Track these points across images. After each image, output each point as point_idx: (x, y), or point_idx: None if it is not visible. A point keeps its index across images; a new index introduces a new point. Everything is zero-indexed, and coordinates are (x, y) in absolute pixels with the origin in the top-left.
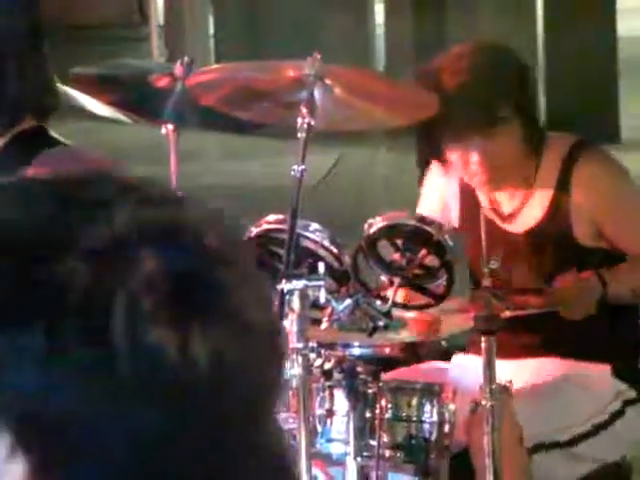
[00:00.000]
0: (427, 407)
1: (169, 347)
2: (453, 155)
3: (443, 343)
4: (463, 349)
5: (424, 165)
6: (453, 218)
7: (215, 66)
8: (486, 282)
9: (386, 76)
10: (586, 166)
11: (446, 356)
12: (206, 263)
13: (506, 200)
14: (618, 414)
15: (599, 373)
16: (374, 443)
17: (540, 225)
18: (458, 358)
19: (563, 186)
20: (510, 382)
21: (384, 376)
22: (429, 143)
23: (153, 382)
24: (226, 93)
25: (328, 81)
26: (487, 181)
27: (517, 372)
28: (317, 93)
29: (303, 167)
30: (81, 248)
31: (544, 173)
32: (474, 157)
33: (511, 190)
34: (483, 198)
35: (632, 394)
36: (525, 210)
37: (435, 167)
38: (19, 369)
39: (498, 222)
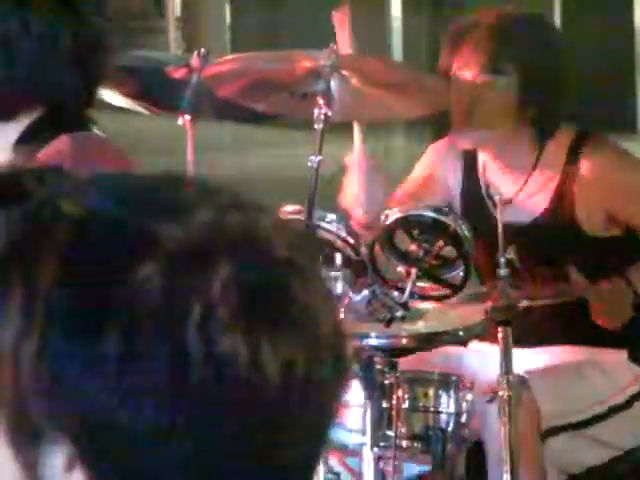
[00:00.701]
0: (444, 397)
1: (241, 357)
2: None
3: (460, 333)
4: (480, 338)
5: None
6: (456, 205)
7: (230, 56)
8: (502, 271)
9: (403, 64)
10: (594, 152)
11: (463, 343)
12: (279, 273)
13: (504, 186)
14: (636, 397)
15: (616, 358)
16: (391, 434)
17: (544, 214)
18: (475, 345)
19: (568, 176)
20: (527, 373)
21: (401, 362)
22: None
23: (223, 392)
24: (242, 85)
25: (345, 72)
26: (474, 141)
27: (534, 359)
28: (334, 84)
29: (320, 158)
30: (159, 252)
31: (545, 164)
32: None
33: (510, 176)
34: (481, 180)
35: None
36: (525, 200)
37: (433, 148)
38: (92, 378)
39: (490, 208)
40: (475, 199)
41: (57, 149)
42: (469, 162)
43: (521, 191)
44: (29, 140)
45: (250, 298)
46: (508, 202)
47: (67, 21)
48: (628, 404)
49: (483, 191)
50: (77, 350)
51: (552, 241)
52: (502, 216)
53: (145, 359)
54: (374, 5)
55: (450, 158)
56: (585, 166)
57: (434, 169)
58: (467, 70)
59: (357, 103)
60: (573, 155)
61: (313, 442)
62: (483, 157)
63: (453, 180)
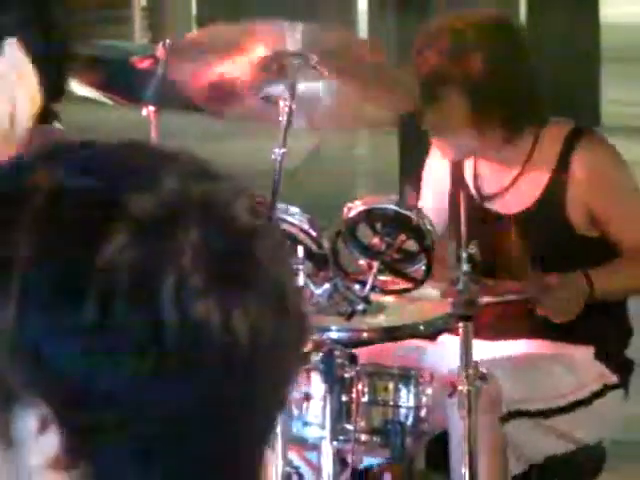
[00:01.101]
0: (404, 392)
1: (214, 322)
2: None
3: (421, 328)
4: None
5: (407, 144)
6: (444, 202)
7: (195, 32)
8: (464, 266)
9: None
10: (588, 150)
11: (429, 337)
12: (245, 239)
13: (493, 178)
14: (598, 394)
15: (582, 354)
16: (350, 427)
17: (533, 208)
18: (444, 338)
19: (561, 169)
20: (491, 361)
21: (362, 355)
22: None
23: (197, 357)
24: (204, 88)
25: (313, 57)
26: (455, 155)
27: (500, 350)
28: (300, 89)
29: (284, 150)
30: (130, 221)
31: (540, 157)
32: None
33: (500, 169)
34: (469, 174)
35: (614, 378)
36: (514, 192)
37: (432, 157)
38: (70, 346)
39: (477, 200)
40: (463, 191)
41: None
42: (456, 163)
43: (512, 184)
44: None
45: (220, 264)
46: (495, 196)
47: (36, 22)
48: (589, 400)
49: (471, 185)
50: (54, 320)
51: (539, 232)
52: (484, 210)
53: (122, 327)
54: (342, 12)
55: (438, 161)
56: (577, 163)
57: (438, 180)
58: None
59: (328, 108)
60: (567, 150)
61: (276, 404)
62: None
63: (443, 181)
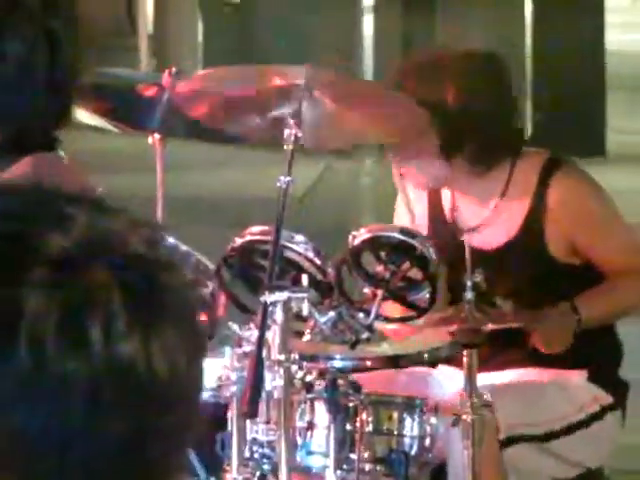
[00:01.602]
0: (408, 421)
1: (139, 361)
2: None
3: (425, 356)
4: (447, 361)
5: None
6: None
7: (201, 72)
8: (468, 295)
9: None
10: (564, 179)
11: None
12: (154, 272)
13: (470, 214)
14: (595, 417)
15: (577, 378)
16: (354, 456)
17: (512, 241)
18: (442, 369)
19: (539, 201)
20: (491, 388)
21: (366, 382)
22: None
23: (127, 396)
24: (211, 106)
25: (317, 92)
26: (426, 185)
27: (494, 380)
28: (305, 107)
29: (289, 178)
30: (47, 260)
31: (516, 189)
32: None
33: (476, 204)
34: (446, 203)
35: (609, 400)
36: (494, 226)
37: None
38: (2, 389)
39: (461, 236)
40: (441, 224)
41: (21, 171)
42: (434, 194)
43: (490, 217)
44: None
45: (137, 301)
46: (475, 229)
47: (43, 48)
48: (587, 423)
49: (448, 217)
50: None
51: (520, 265)
52: (470, 241)
53: (53, 369)
54: (346, 12)
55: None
56: (553, 194)
57: (413, 205)
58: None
59: (329, 129)
60: (543, 182)
61: (189, 430)
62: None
63: (419, 206)
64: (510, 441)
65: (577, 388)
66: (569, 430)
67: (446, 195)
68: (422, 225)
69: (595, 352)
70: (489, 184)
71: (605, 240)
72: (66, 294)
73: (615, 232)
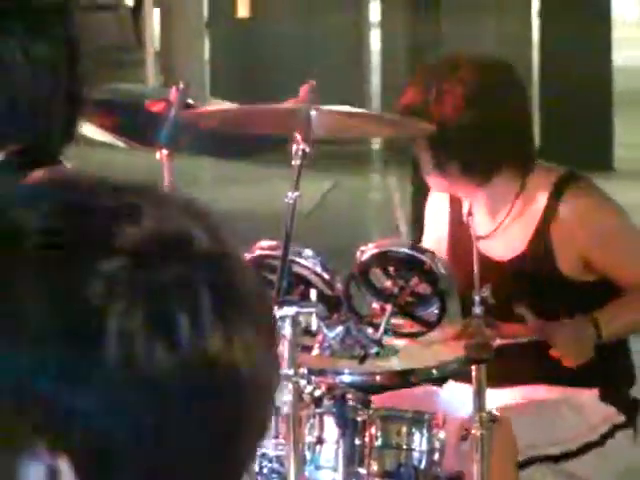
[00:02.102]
0: (417, 435)
1: (223, 356)
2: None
3: (434, 371)
4: (455, 376)
5: (421, 188)
6: (444, 244)
7: (209, 108)
8: (477, 310)
9: (383, 117)
10: (574, 197)
11: (441, 381)
12: (225, 266)
13: (482, 222)
14: (607, 436)
15: (588, 397)
16: (363, 471)
17: (522, 256)
18: (450, 385)
19: (548, 218)
20: (503, 409)
21: (375, 399)
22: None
23: (213, 392)
24: (220, 122)
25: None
26: (442, 188)
27: (509, 397)
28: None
29: (297, 194)
30: (121, 253)
31: (526, 205)
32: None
33: (487, 213)
34: (465, 215)
35: (621, 418)
36: (502, 238)
37: (432, 195)
38: (88, 393)
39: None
40: (460, 229)
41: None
42: (455, 200)
43: (499, 228)
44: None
45: (217, 295)
46: (485, 237)
47: (65, 55)
48: (601, 442)
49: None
50: (71, 367)
51: (529, 280)
52: (479, 253)
53: (143, 368)
54: (353, 14)
55: (437, 200)
56: (565, 210)
57: (438, 219)
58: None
59: (335, 127)
60: (555, 197)
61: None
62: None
63: (442, 218)
64: (526, 463)
65: (589, 407)
66: (582, 450)
67: (466, 202)
68: (441, 230)
69: (607, 371)
70: (501, 195)
71: (621, 255)
72: (150, 287)
73: (632, 246)
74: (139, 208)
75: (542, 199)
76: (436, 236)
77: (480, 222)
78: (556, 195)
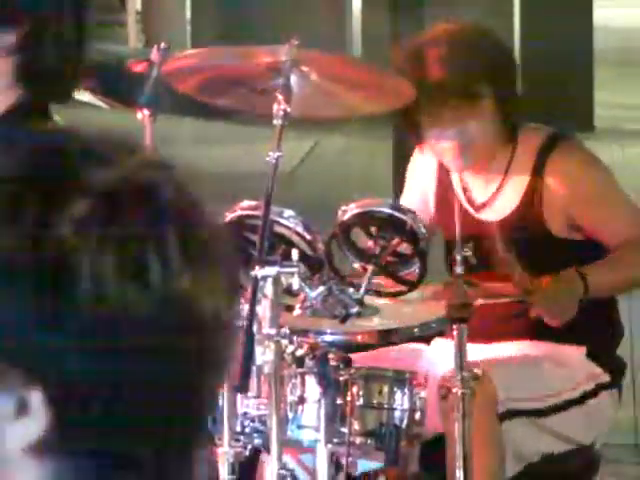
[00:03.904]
0: (398, 394)
1: (191, 299)
2: (430, 139)
3: (415, 331)
4: (439, 335)
5: (402, 149)
6: (430, 206)
7: (190, 51)
8: (459, 269)
9: (363, 62)
10: (560, 157)
11: (423, 340)
12: (193, 215)
13: (480, 189)
14: (590, 394)
15: (574, 354)
16: (345, 430)
17: (514, 215)
18: (437, 342)
19: (537, 177)
20: (485, 362)
21: (357, 359)
22: (408, 125)
23: (182, 333)
24: (200, 80)
25: (304, 68)
26: (462, 166)
27: (493, 351)
28: (293, 79)
29: (279, 154)
30: (90, 194)
31: (518, 163)
32: (449, 139)
33: (485, 179)
34: (457, 186)
35: (606, 378)
36: (499, 199)
37: (417, 156)
38: (64, 328)
39: (471, 211)
40: (449, 199)
41: None
42: (443, 166)
43: (495, 194)
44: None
45: (183, 239)
46: (482, 206)
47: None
48: (582, 400)
49: (459, 192)
50: (47, 303)
51: (518, 239)
52: (470, 217)
53: (117, 304)
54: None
55: (424, 162)
56: (551, 169)
57: (423, 181)
58: (441, 121)
59: (316, 99)
60: (541, 158)
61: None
62: None
63: (428, 182)
64: (505, 415)
65: (575, 364)
66: (565, 406)
67: (455, 178)
68: (430, 197)
69: (595, 329)
70: (495, 162)
71: (606, 214)
72: (120, 228)
73: (616, 205)
74: (110, 155)
75: (531, 159)
76: (420, 195)
77: (477, 192)
78: (543, 154)
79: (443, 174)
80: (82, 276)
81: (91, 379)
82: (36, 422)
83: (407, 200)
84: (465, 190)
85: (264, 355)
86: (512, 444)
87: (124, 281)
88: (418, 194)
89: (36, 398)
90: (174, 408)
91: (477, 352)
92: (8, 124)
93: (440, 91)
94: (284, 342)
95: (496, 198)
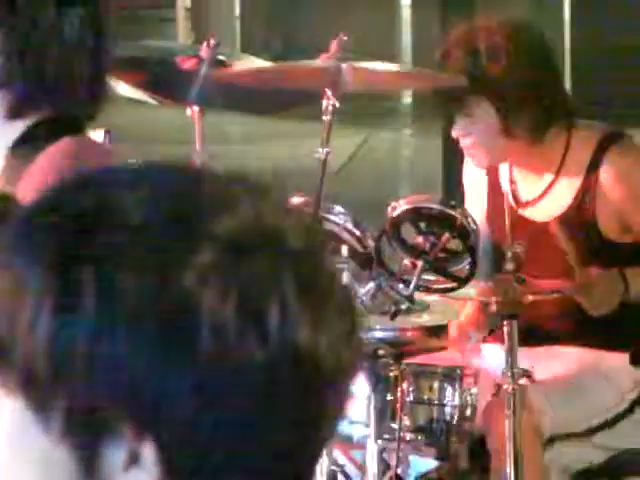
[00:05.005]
0: (449, 390)
1: (310, 349)
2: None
3: None
4: (490, 333)
5: (451, 144)
6: (482, 204)
7: (239, 68)
8: (509, 266)
9: (413, 72)
10: (618, 154)
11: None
12: (315, 259)
13: (528, 187)
14: (637, 401)
15: (618, 362)
16: (395, 426)
17: (565, 215)
18: (487, 347)
19: (591, 177)
20: (532, 367)
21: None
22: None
23: (298, 384)
24: (251, 79)
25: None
26: (487, 161)
27: (538, 360)
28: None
29: (328, 150)
30: (215, 242)
31: (572, 162)
32: (462, 138)
33: (533, 177)
34: (505, 183)
35: None
36: (549, 198)
37: (468, 165)
38: (181, 379)
39: (518, 209)
40: (499, 197)
41: (60, 149)
42: (492, 170)
43: (547, 191)
44: (29, 140)
45: (304, 288)
46: (531, 202)
47: (92, 21)
48: (630, 410)
49: (508, 191)
50: (166, 354)
51: (572, 240)
52: (519, 216)
53: (233, 358)
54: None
55: (472, 169)
56: (607, 168)
57: (472, 185)
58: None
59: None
60: (596, 156)
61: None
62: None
63: (480, 190)
64: (552, 439)
65: (619, 374)
66: (614, 422)
67: (504, 170)
68: (480, 196)
69: (637, 334)
70: (546, 158)
71: None
72: (243, 278)
73: None
74: (238, 199)
75: (585, 158)
76: (477, 208)
77: (524, 188)
78: (599, 154)
79: (491, 173)
80: (203, 326)
81: (205, 431)
82: (147, 476)
83: (470, 208)
84: (512, 184)
85: None
86: (558, 462)
87: (244, 331)
88: (475, 206)
89: (148, 451)
90: (284, 464)
91: (525, 356)
92: (34, 137)
93: (499, 81)
94: None
95: (545, 197)
